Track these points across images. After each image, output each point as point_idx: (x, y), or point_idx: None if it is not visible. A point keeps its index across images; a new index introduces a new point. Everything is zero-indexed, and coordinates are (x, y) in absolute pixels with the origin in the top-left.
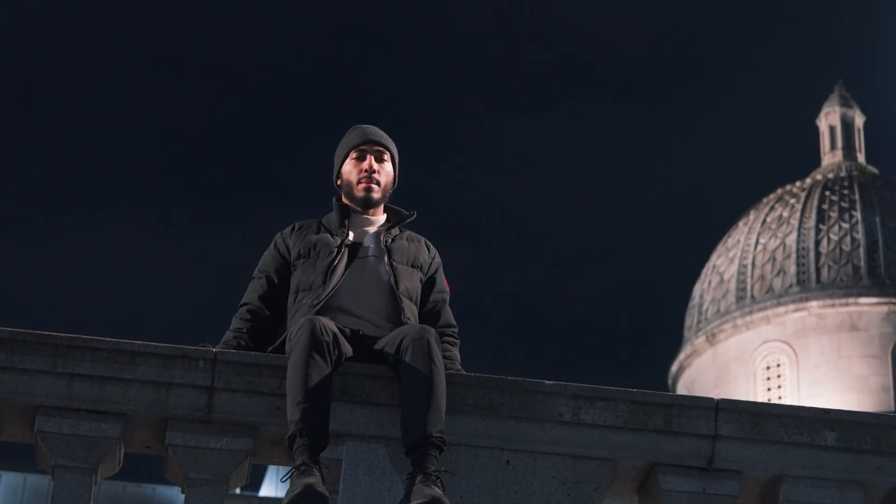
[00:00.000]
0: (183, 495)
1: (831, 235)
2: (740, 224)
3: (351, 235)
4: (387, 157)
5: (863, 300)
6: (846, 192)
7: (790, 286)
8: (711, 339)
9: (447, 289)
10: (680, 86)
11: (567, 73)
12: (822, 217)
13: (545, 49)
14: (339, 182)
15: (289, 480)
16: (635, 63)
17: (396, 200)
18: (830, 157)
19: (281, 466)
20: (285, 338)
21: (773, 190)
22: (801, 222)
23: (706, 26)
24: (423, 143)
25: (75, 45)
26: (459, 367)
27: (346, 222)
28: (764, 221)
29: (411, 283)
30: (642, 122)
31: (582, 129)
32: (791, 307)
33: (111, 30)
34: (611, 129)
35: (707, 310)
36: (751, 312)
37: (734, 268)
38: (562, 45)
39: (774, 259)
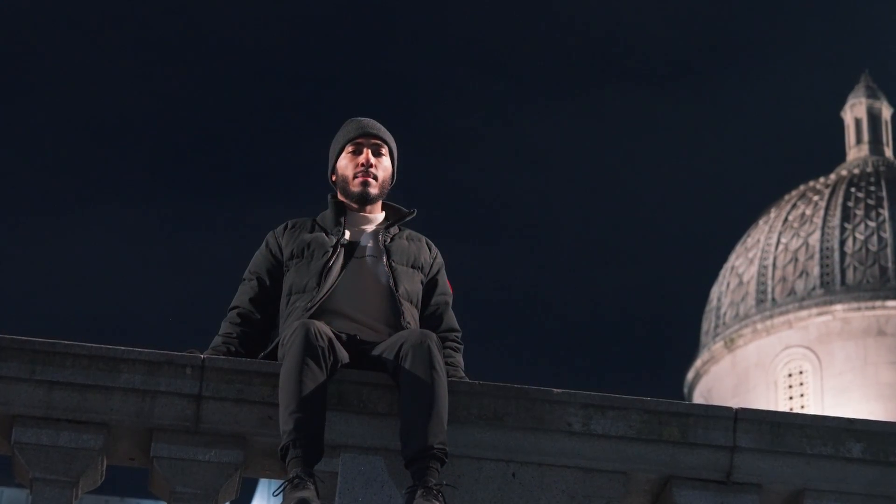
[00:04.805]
0: None
1: (857, 234)
2: (760, 223)
3: (347, 234)
4: (384, 150)
5: (890, 303)
6: (873, 188)
7: (813, 288)
8: (730, 345)
9: (450, 291)
10: (699, 76)
11: (583, 60)
12: (847, 215)
13: (561, 33)
14: (333, 178)
15: (281, 494)
16: (654, 51)
17: (397, 196)
18: (856, 152)
19: (273, 479)
20: (278, 343)
21: (795, 186)
22: (824, 221)
23: (727, 14)
24: (430, 134)
25: (55, 29)
26: (463, 375)
27: (342, 220)
28: (785, 220)
29: (411, 284)
30: (659, 113)
31: (596, 120)
32: (814, 311)
33: (94, 14)
34: (627, 121)
35: (725, 313)
36: (771, 316)
37: (754, 269)
38: (579, 28)
39: (797, 260)
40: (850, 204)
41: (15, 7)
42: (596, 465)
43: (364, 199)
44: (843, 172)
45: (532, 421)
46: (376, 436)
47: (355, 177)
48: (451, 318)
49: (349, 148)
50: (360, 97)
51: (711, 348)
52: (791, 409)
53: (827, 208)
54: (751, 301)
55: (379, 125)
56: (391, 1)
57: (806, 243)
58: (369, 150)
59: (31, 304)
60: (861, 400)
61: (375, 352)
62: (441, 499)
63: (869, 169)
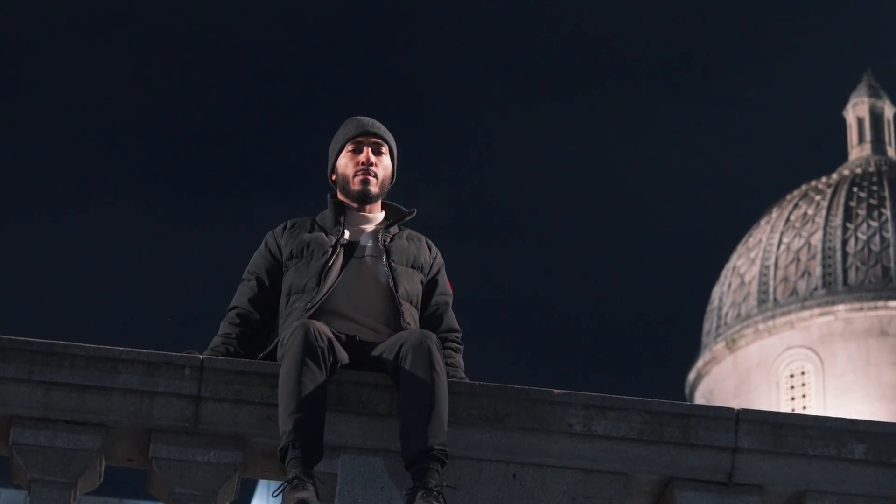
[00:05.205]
0: None
1: (859, 234)
2: (762, 222)
3: (347, 234)
4: (385, 149)
5: (893, 303)
6: (875, 188)
7: (815, 289)
8: (731, 346)
9: (450, 291)
10: (701, 75)
11: (584, 59)
12: (849, 215)
13: (563, 32)
14: (333, 177)
15: (281, 495)
16: (656, 50)
17: (397, 196)
18: (858, 151)
19: (272, 480)
20: (277, 343)
21: (797, 186)
22: (826, 220)
23: (729, 13)
24: (431, 134)
25: (55, 28)
26: (463, 375)
27: (342, 220)
28: (787, 220)
29: (411, 285)
30: (661, 113)
31: (597, 119)
32: (816, 311)
33: (93, 14)
34: (628, 120)
35: (727, 314)
36: (773, 317)
37: (756, 269)
38: (581, 28)
39: (799, 260)
40: (853, 204)
41: (14, 7)
42: (597, 466)
43: (364, 198)
44: (846, 172)
45: (533, 422)
46: (376, 437)
47: (355, 175)
48: (452, 319)
49: (349, 147)
50: (362, 97)
51: (713, 349)
52: (793, 410)
53: (829, 208)
54: (752, 301)
55: (379, 124)
56: (393, 1)
57: (808, 243)
58: (369, 149)
59: (29, 303)
60: (863, 401)
61: (375, 352)
62: (441, 500)
63: (871, 168)
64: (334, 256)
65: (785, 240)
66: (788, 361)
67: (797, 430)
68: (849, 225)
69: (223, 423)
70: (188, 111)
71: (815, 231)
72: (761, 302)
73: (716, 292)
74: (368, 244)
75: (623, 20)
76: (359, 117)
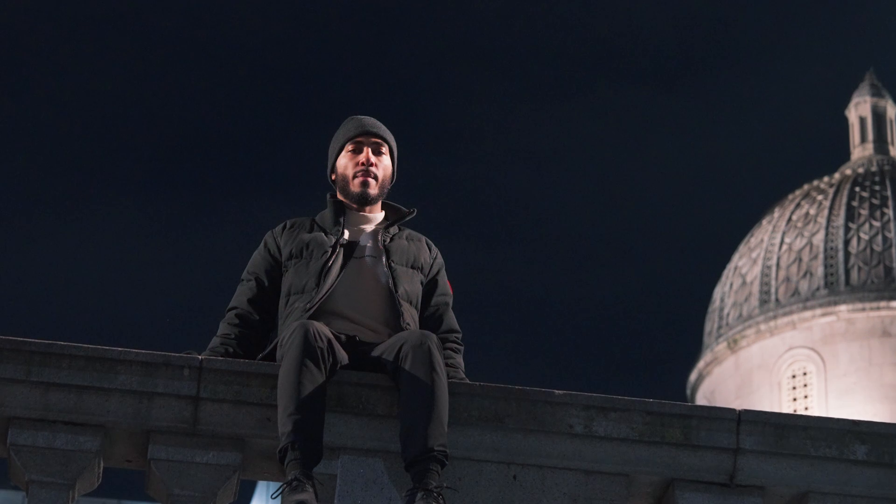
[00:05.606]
0: None
1: (861, 234)
2: (764, 222)
3: (346, 234)
4: (385, 149)
5: (895, 304)
6: (877, 187)
7: (817, 289)
8: (733, 346)
9: (450, 291)
10: (702, 74)
11: (586, 59)
12: (851, 215)
13: (564, 31)
14: (333, 177)
15: (280, 497)
16: (658, 49)
17: (397, 196)
18: (860, 151)
19: (271, 482)
20: (276, 344)
21: (799, 186)
22: (828, 220)
23: (731, 13)
24: (431, 134)
25: (51, 22)
26: (463, 376)
27: (342, 220)
28: (789, 219)
29: (411, 285)
30: (662, 112)
31: (599, 119)
32: (818, 311)
33: (94, 13)
34: (629, 120)
35: (728, 314)
36: (775, 317)
37: (757, 269)
38: (583, 27)
39: (800, 260)
40: (855, 203)
41: (15, 7)
42: (598, 468)
43: (364, 199)
44: (848, 172)
45: (533, 423)
46: (376, 438)
47: (355, 176)
48: (452, 319)
49: (349, 147)
50: (362, 96)
51: (714, 349)
52: (795, 411)
53: (831, 208)
54: (754, 301)
55: (379, 123)
56: (393, 1)
57: (810, 243)
58: (369, 149)
59: (27, 303)
60: (865, 401)
61: (375, 353)
62: (441, 501)
63: (873, 168)
64: (334, 257)
65: (787, 240)
66: (790, 362)
67: (799, 431)
68: (851, 225)
69: (222, 424)
70: (187, 111)
71: (817, 231)
72: (763, 302)
73: (717, 292)
74: (368, 244)
75: (623, 20)
76: (359, 117)
